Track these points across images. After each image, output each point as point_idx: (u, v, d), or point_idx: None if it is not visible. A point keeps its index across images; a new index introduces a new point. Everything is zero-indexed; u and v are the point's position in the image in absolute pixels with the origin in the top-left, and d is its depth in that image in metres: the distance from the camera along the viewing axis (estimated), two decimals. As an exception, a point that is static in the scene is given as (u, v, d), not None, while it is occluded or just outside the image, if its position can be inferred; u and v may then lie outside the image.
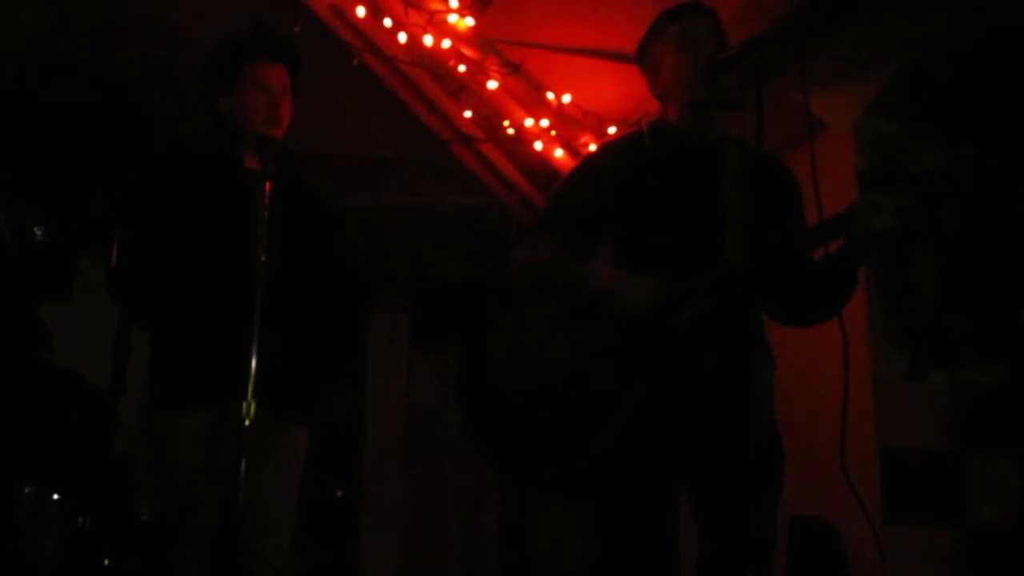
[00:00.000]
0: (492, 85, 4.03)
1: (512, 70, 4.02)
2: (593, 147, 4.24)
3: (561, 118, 4.21)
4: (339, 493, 5.55)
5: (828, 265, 2.07)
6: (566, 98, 4.17)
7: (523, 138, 4.23)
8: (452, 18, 3.87)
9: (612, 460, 1.97)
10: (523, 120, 4.18)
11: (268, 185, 2.22)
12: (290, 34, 2.80)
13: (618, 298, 2.04)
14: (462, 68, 3.97)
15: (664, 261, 2.08)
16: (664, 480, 2.04)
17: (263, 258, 2.15)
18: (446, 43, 3.90)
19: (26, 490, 3.13)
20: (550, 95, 4.17)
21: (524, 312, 2.20)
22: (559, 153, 4.26)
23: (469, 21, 3.88)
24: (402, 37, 3.86)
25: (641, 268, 2.09)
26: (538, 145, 4.24)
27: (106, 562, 3.43)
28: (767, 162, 2.22)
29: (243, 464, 2.01)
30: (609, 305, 2.05)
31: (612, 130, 4.20)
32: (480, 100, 4.11)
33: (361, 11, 3.76)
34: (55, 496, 3.18)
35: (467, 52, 3.97)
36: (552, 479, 2.09)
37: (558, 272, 2.15)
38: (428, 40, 3.87)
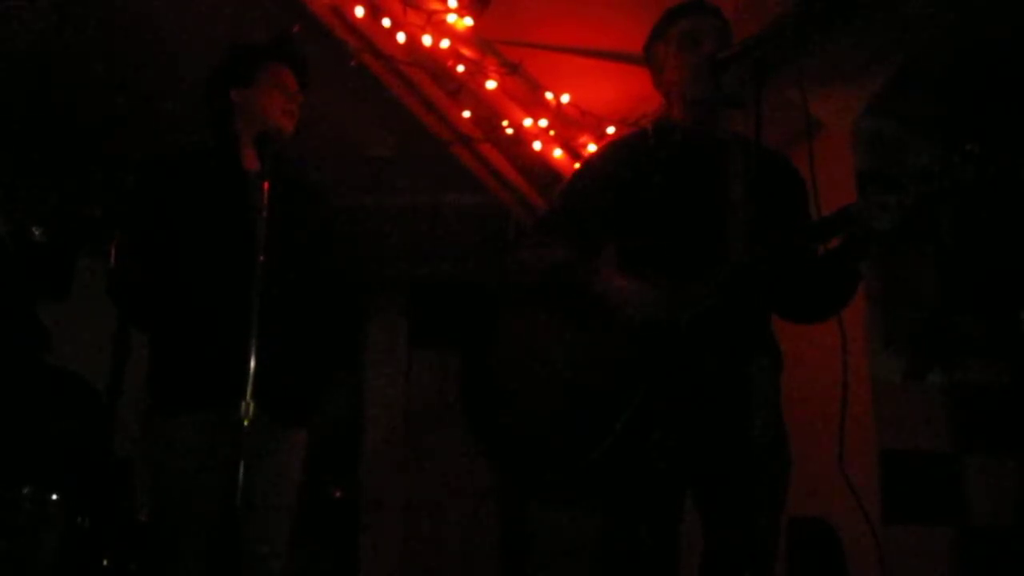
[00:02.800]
0: (491, 85, 4.03)
1: (511, 70, 4.02)
2: (592, 147, 4.23)
3: (560, 118, 4.20)
4: (338, 493, 5.55)
5: (829, 261, 2.06)
6: (565, 98, 4.17)
7: (522, 138, 4.22)
8: (451, 18, 3.87)
9: (614, 462, 1.96)
10: (522, 120, 4.18)
11: (267, 185, 2.22)
12: (292, 38, 2.82)
13: (622, 308, 2.03)
14: (461, 68, 3.97)
15: (668, 260, 2.07)
16: (666, 481, 2.03)
17: (262, 258, 2.14)
18: (445, 43, 3.90)
19: (25, 490, 3.12)
20: (549, 95, 4.17)
21: (527, 313, 2.19)
22: (558, 153, 4.26)
23: (468, 21, 3.88)
24: (401, 37, 3.86)
25: (645, 268, 2.09)
26: (537, 145, 4.23)
27: (105, 562, 3.43)
28: (771, 159, 2.22)
29: (241, 465, 2.01)
30: (612, 311, 2.04)
31: (611, 130, 4.20)
32: (479, 100, 4.11)
33: (360, 11, 3.76)
34: (54, 496, 3.18)
35: (466, 52, 3.97)
36: (554, 480, 2.09)
37: (563, 274, 2.14)
38: (427, 40, 3.86)
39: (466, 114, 4.15)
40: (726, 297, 1.97)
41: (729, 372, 1.96)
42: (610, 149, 2.40)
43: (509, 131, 4.20)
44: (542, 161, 4.28)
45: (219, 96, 2.59)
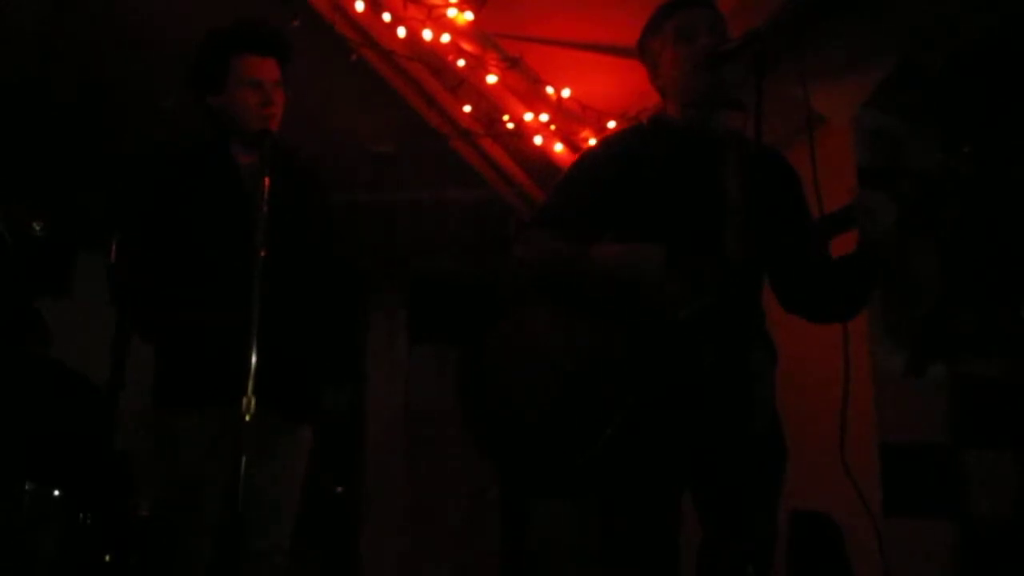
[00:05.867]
0: (491, 80, 4.02)
1: (511, 64, 4.01)
2: (593, 142, 4.23)
3: (560, 112, 4.20)
4: (339, 490, 5.56)
5: (845, 266, 2.06)
6: (565, 92, 4.17)
7: (522, 133, 4.22)
8: (451, 12, 3.87)
9: (612, 457, 1.97)
10: (522, 115, 4.17)
11: (267, 180, 2.21)
12: (282, 26, 2.76)
13: (625, 265, 2.02)
14: (461, 63, 3.97)
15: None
16: (664, 476, 2.04)
17: (263, 253, 2.14)
18: (445, 38, 3.90)
19: (27, 486, 3.13)
20: (549, 89, 4.17)
21: (525, 309, 2.19)
22: (559, 148, 4.25)
23: (468, 16, 3.88)
24: (401, 32, 3.86)
25: None
26: (538, 140, 4.23)
27: (106, 558, 3.44)
28: (767, 155, 2.22)
29: (243, 461, 2.01)
30: (616, 274, 2.03)
31: (612, 124, 4.20)
32: (479, 95, 4.11)
33: (360, 6, 3.76)
34: (56, 492, 3.18)
35: (466, 47, 3.97)
36: (552, 476, 2.09)
37: (559, 257, 2.14)
38: (427, 35, 3.86)
39: (467, 109, 4.15)
40: (723, 295, 1.97)
41: (727, 367, 1.97)
42: (605, 145, 2.38)
43: (510, 126, 4.20)
44: (543, 156, 4.28)
45: (199, 101, 2.52)
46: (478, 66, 3.98)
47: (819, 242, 2.07)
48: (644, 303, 2.01)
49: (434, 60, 3.96)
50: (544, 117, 4.19)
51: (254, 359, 2.05)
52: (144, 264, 2.42)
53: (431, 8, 3.83)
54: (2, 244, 3.68)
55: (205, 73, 2.50)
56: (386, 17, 3.82)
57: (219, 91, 2.48)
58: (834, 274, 2.08)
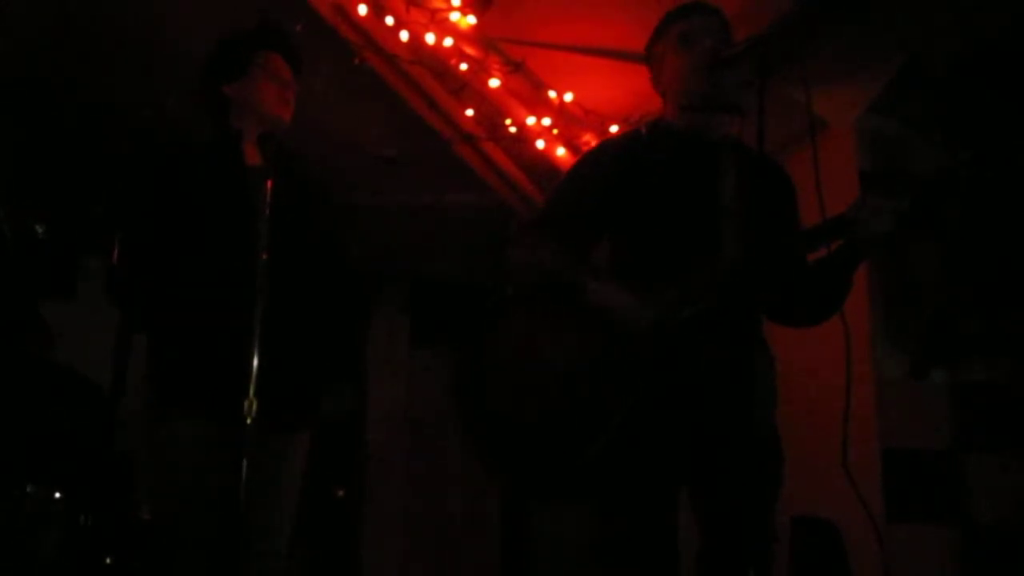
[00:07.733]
0: (494, 83, 4.03)
1: (514, 68, 4.02)
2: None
3: (563, 116, 4.21)
4: (340, 493, 5.56)
5: (826, 266, 2.06)
6: (568, 96, 4.17)
7: (525, 137, 4.22)
8: (454, 16, 3.87)
9: (611, 460, 1.97)
10: (525, 119, 4.18)
11: (270, 183, 2.21)
12: (293, 32, 2.79)
13: (617, 319, 2.04)
14: (464, 66, 3.97)
15: (662, 261, 2.07)
16: (664, 478, 2.03)
17: (265, 256, 2.13)
18: (448, 41, 3.90)
19: (28, 489, 3.13)
20: (552, 93, 4.17)
21: (523, 312, 2.19)
22: (561, 152, 4.26)
23: (471, 19, 3.88)
24: (404, 35, 3.86)
25: (639, 267, 2.09)
26: (540, 144, 4.23)
27: (107, 561, 3.44)
28: (763, 163, 2.22)
29: (244, 464, 2.01)
30: (607, 320, 2.05)
31: (614, 128, 4.20)
32: (482, 99, 4.11)
33: (363, 9, 3.76)
34: (57, 495, 3.18)
35: (469, 50, 3.97)
36: (552, 478, 2.09)
37: (557, 279, 2.14)
38: (430, 38, 3.87)
39: (469, 112, 4.16)
40: (722, 298, 1.97)
41: (726, 370, 1.97)
42: (602, 149, 2.38)
43: (512, 130, 4.21)
44: (545, 160, 4.28)
45: (213, 92, 2.55)
46: (481, 70, 3.99)
47: (808, 250, 2.07)
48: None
49: (437, 64, 3.96)
50: (547, 121, 4.19)
51: (256, 361, 2.05)
52: (146, 264, 2.41)
53: (434, 12, 3.83)
54: (3, 245, 3.68)
55: (225, 61, 2.55)
56: (389, 21, 3.82)
57: (238, 78, 2.52)
58: (814, 277, 2.08)
